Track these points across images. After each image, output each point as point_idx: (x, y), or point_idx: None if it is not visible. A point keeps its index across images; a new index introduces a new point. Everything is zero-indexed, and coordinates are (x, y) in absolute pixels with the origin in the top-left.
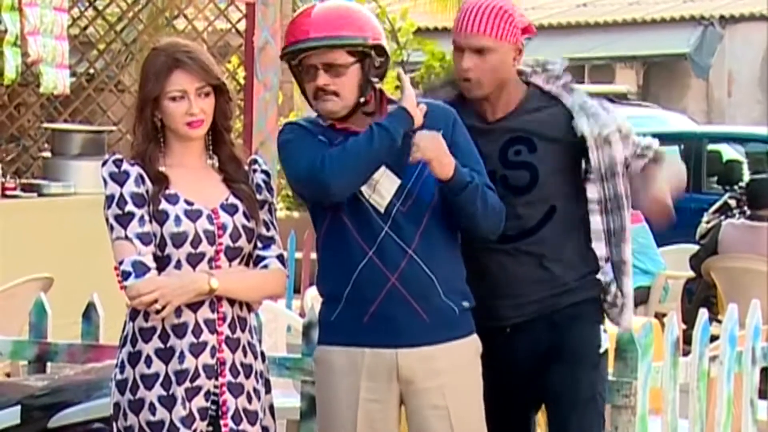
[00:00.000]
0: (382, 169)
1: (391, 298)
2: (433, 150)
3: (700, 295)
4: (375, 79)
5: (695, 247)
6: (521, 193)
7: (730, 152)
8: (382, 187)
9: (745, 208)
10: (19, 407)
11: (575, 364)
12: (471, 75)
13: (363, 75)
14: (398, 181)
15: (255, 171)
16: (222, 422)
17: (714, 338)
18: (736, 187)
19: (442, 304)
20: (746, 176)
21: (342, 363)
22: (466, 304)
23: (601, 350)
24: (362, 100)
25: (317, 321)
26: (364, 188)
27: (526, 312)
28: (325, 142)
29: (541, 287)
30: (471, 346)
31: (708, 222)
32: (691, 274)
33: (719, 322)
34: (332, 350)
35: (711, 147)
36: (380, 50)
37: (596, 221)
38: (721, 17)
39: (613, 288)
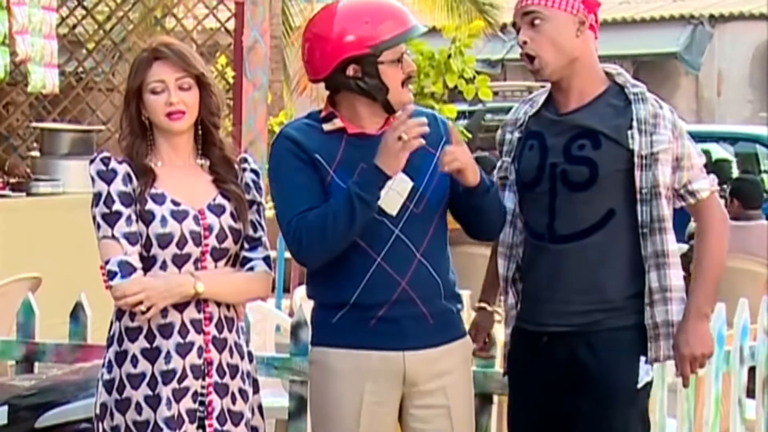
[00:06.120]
0: (400, 174)
1: (399, 302)
2: (464, 162)
3: None
4: None
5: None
6: (579, 189)
7: (719, 151)
8: (395, 192)
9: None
10: (6, 407)
11: (608, 401)
12: (529, 50)
13: None
14: (411, 184)
15: (244, 170)
16: (207, 422)
17: None
18: (725, 187)
19: (444, 307)
20: (735, 176)
21: (343, 365)
22: (460, 306)
23: (641, 384)
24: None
25: (307, 321)
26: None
27: (566, 323)
28: (318, 164)
29: (586, 298)
30: (466, 346)
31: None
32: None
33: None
34: (331, 352)
35: (700, 146)
36: None
37: None
38: (711, 16)
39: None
